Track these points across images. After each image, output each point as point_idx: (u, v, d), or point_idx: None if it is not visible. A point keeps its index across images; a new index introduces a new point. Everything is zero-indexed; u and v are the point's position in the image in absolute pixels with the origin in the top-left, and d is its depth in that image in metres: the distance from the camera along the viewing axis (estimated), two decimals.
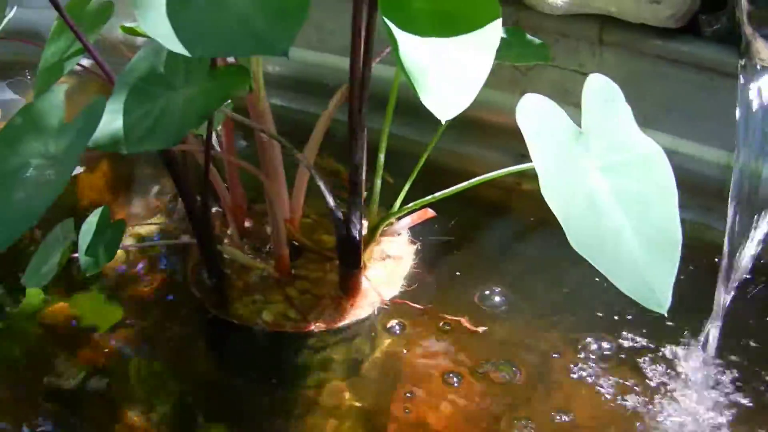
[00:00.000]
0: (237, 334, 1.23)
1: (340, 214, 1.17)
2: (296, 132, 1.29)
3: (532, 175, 1.50)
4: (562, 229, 0.78)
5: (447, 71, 0.87)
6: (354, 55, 1.03)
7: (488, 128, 1.52)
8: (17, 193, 0.87)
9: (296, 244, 1.33)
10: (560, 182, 0.84)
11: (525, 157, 1.55)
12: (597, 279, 1.25)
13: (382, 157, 1.22)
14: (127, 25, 1.12)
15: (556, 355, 1.18)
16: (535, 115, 0.87)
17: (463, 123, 1.31)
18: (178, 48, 0.74)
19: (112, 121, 0.90)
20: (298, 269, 1.30)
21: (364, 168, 1.14)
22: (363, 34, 1.00)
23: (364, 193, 1.19)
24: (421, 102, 0.85)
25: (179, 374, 1.22)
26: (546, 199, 0.83)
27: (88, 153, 0.89)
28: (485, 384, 1.14)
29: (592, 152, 0.88)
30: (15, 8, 1.10)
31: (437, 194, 1.18)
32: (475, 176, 1.13)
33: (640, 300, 0.82)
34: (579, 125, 0.90)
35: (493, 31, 0.91)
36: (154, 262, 1.39)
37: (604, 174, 0.87)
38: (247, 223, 1.38)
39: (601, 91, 0.92)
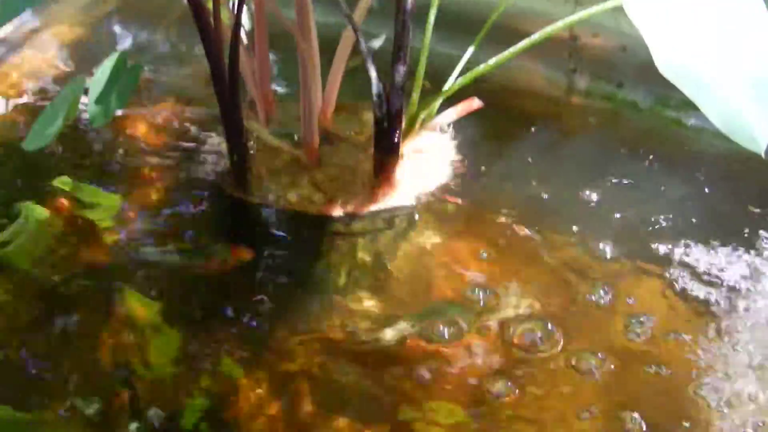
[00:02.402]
0: (257, 217, 1.12)
1: (379, 85, 1.05)
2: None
3: (582, 90, 1.42)
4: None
5: None
6: None
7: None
8: None
9: (327, 135, 1.22)
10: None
11: (575, 71, 1.46)
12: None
13: (427, 38, 1.11)
14: None
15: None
16: None
17: (512, 34, 1.21)
18: None
19: None
20: (328, 157, 1.19)
21: (411, 33, 1.03)
22: None
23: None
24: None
25: (189, 259, 1.10)
26: (632, 18, 0.71)
27: None
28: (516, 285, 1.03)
29: None
30: None
31: (481, 66, 1.07)
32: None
33: (733, 136, 0.70)
34: None
35: None
36: (164, 138, 1.29)
37: None
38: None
39: None
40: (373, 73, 1.05)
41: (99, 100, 0.99)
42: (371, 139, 1.16)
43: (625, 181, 1.19)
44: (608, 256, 1.06)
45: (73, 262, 1.09)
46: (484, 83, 1.22)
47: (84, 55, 1.49)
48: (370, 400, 0.91)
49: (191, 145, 1.26)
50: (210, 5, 1.01)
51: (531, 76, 1.41)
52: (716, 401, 0.88)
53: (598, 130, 1.30)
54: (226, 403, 0.90)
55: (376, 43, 1.56)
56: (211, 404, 0.90)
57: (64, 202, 1.17)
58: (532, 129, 1.30)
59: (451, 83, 1.15)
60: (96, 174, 1.22)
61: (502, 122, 1.32)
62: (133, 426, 0.88)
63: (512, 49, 1.02)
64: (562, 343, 0.95)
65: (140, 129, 1.30)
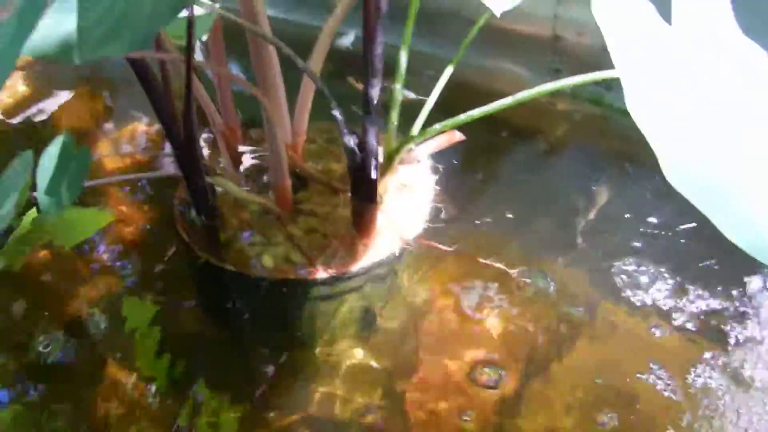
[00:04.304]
0: (233, 283, 1.04)
1: (352, 138, 0.96)
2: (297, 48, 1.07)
3: (567, 95, 1.32)
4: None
5: None
6: None
7: (518, 40, 1.31)
8: None
9: (300, 174, 1.13)
10: (652, 95, 0.63)
11: (560, 72, 1.36)
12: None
13: (403, 64, 1.01)
14: None
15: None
16: (615, 7, 0.66)
17: (491, 34, 1.12)
18: None
19: (60, 24, 0.70)
20: (302, 203, 1.11)
21: (381, 80, 0.93)
22: None
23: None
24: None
25: (166, 330, 1.02)
26: (634, 117, 0.62)
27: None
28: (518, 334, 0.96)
29: (687, 55, 0.67)
30: None
31: (462, 116, 0.98)
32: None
33: (754, 254, 0.62)
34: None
35: None
36: (137, 200, 1.20)
37: (706, 85, 0.66)
38: (242, 149, 1.17)
39: None
40: (341, 121, 0.96)
41: (49, 191, 0.90)
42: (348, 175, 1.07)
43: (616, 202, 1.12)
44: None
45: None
46: (461, 89, 1.13)
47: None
48: None
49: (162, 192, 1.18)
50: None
51: (513, 80, 1.32)
52: None
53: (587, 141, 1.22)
54: None
55: (346, 41, 1.47)
56: None
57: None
58: (517, 146, 1.22)
59: (420, 127, 1.06)
60: None
61: (482, 137, 1.22)
62: None
63: (486, 108, 0.94)
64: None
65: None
